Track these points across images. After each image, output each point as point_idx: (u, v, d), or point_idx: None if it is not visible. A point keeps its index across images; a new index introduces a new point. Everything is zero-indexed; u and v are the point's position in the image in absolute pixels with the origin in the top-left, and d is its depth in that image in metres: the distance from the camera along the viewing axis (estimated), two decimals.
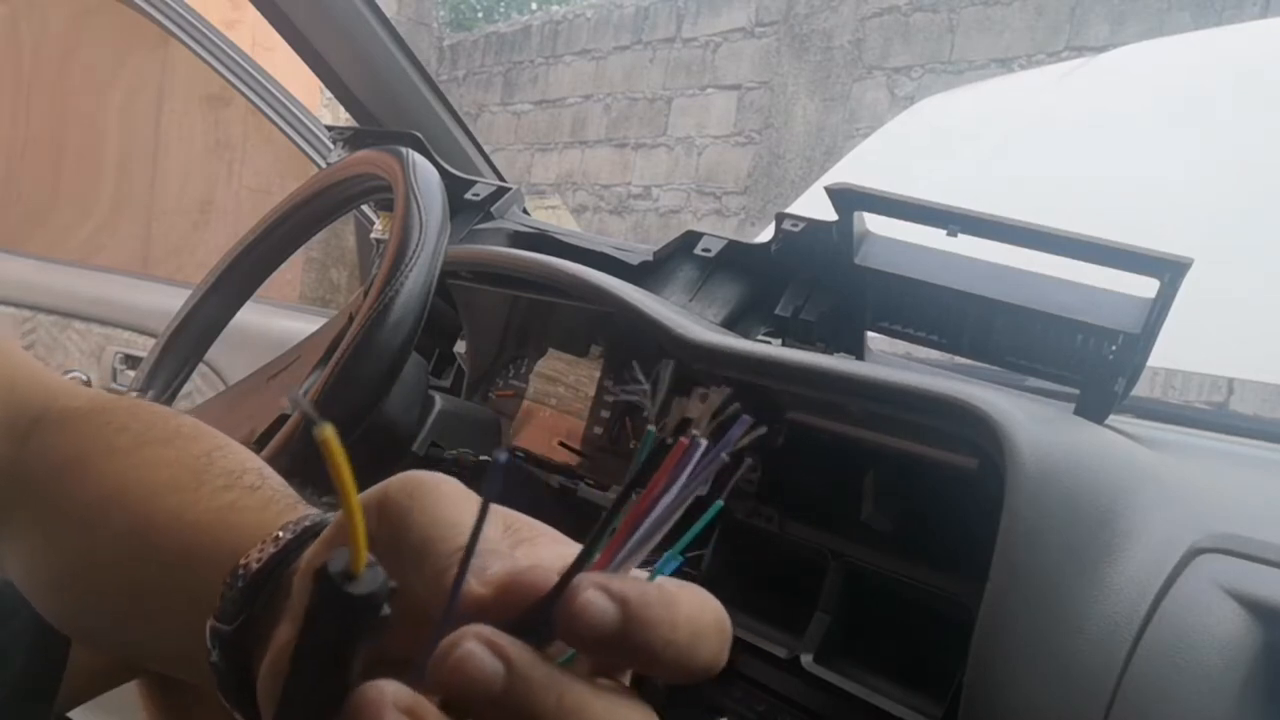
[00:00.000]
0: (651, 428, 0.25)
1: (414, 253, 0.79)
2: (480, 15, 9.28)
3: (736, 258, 1.01)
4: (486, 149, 1.44)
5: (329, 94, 1.44)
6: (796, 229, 0.92)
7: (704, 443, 0.24)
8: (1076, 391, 0.79)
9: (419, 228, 0.80)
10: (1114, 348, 0.75)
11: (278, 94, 1.60)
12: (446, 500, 0.30)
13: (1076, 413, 0.77)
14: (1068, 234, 0.75)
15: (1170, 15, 3.69)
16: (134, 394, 1.04)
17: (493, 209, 1.21)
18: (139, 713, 0.82)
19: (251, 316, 1.15)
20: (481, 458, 0.93)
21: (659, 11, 5.67)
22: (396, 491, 0.30)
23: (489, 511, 0.27)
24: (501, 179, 1.36)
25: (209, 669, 0.36)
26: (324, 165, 1.42)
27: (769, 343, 0.91)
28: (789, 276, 0.93)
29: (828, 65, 4.70)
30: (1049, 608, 0.53)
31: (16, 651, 0.71)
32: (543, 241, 1.12)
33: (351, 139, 1.32)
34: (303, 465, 0.76)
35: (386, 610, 0.24)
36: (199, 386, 1.45)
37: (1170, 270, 0.70)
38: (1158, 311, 0.73)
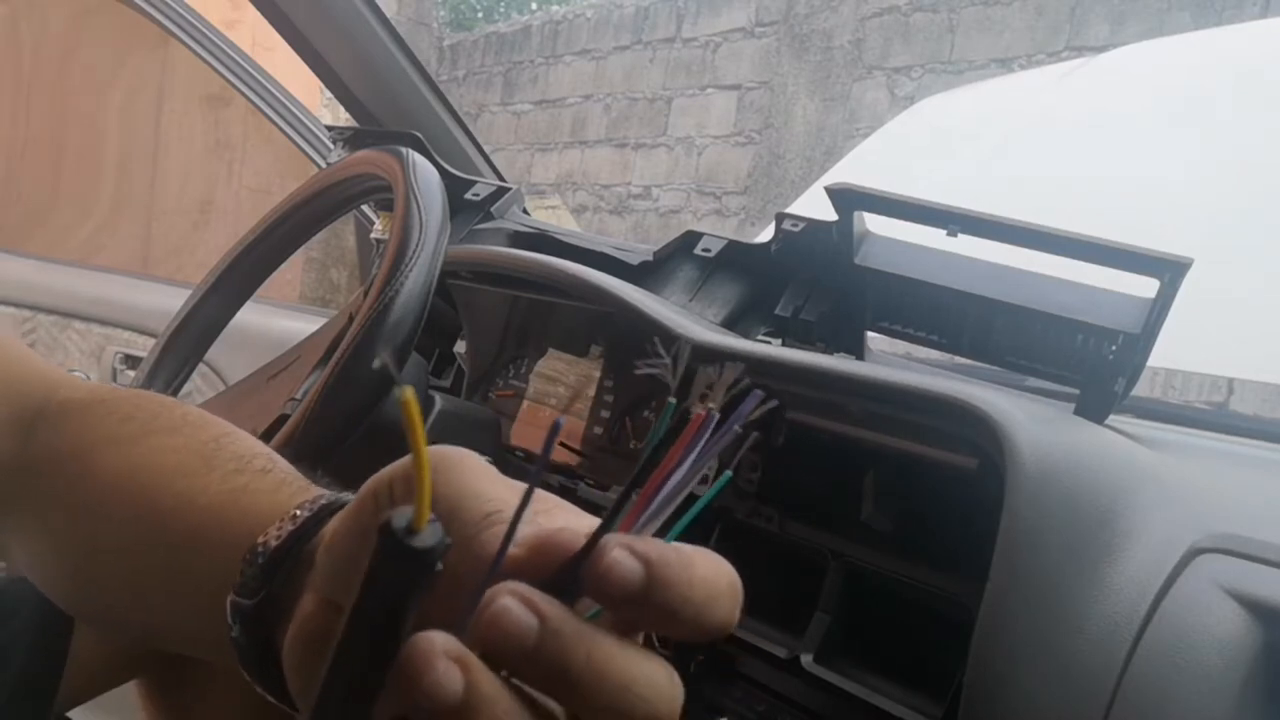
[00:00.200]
0: (672, 399, 0.26)
1: (414, 253, 0.79)
2: (480, 15, 9.28)
3: (736, 258, 1.01)
4: (486, 149, 1.44)
5: (329, 94, 1.44)
6: (796, 229, 0.92)
7: (718, 415, 0.26)
8: (1076, 391, 0.79)
9: (419, 228, 0.80)
10: (1114, 348, 0.75)
11: (278, 94, 1.60)
12: (471, 473, 0.32)
13: (1076, 413, 0.77)
14: (1068, 234, 0.75)
15: (1170, 15, 3.70)
16: None
17: (493, 209, 1.21)
18: (139, 713, 0.82)
19: (251, 316, 1.15)
20: (481, 458, 0.92)
21: (659, 11, 5.67)
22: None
23: (509, 485, 0.30)
24: (501, 179, 1.36)
25: (229, 644, 0.37)
26: (324, 165, 1.42)
27: (769, 343, 0.91)
28: (789, 276, 0.93)
29: (828, 65, 4.70)
30: (1049, 608, 0.53)
31: (16, 651, 0.71)
32: (543, 241, 1.12)
33: (351, 139, 1.32)
34: (303, 463, 0.76)
35: (439, 566, 0.26)
36: (199, 386, 1.45)
37: (1170, 270, 0.70)
38: (1158, 311, 0.73)
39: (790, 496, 0.78)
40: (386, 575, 0.25)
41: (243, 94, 1.61)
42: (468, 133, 1.41)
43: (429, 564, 0.25)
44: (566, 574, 0.26)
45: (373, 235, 1.28)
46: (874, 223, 0.87)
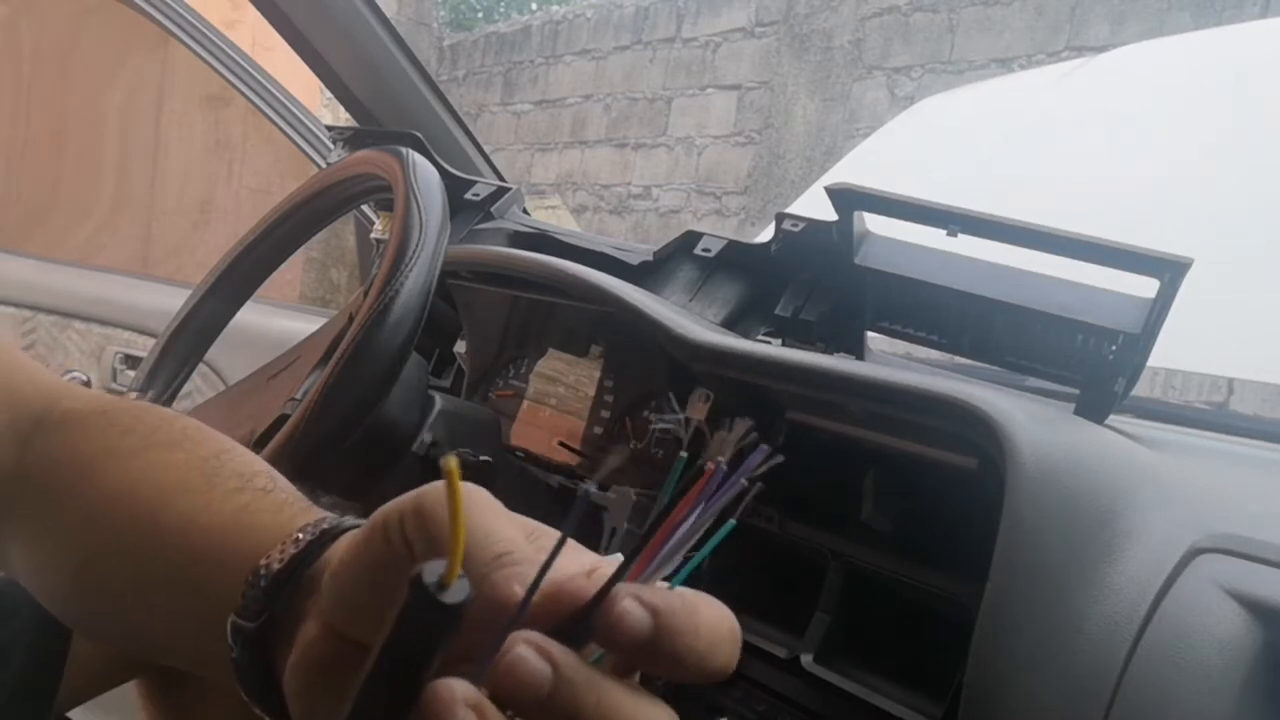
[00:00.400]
0: (684, 453, 0.28)
1: (414, 253, 0.79)
2: (480, 15, 9.28)
3: (736, 258, 1.01)
4: (486, 149, 1.44)
5: (329, 94, 1.44)
6: (796, 229, 0.92)
7: (725, 468, 0.27)
8: (1076, 391, 0.79)
9: (419, 228, 0.80)
10: (1114, 348, 0.75)
11: (278, 94, 1.60)
12: (480, 510, 0.32)
13: (1076, 413, 0.77)
14: (1068, 234, 0.75)
15: (1170, 15, 3.69)
16: (134, 394, 1.04)
17: (493, 209, 1.21)
18: (139, 713, 0.82)
19: (251, 316, 1.15)
20: (481, 458, 0.93)
21: (659, 11, 5.67)
22: (433, 499, 0.32)
23: (517, 523, 0.31)
24: (501, 179, 1.36)
25: (230, 665, 0.38)
26: (324, 165, 1.42)
27: (769, 343, 0.91)
28: (789, 276, 0.93)
29: (828, 65, 4.70)
30: (1049, 607, 0.53)
31: (16, 651, 0.71)
32: (543, 241, 1.11)
33: (351, 139, 1.32)
34: (303, 462, 0.76)
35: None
36: (199, 386, 1.45)
37: (1170, 270, 0.70)
38: (1158, 311, 0.73)
39: (790, 496, 0.78)
40: (414, 626, 0.26)
41: (243, 94, 1.61)
42: (468, 133, 1.41)
43: (456, 619, 0.26)
44: (577, 621, 0.27)
45: (373, 235, 1.28)
46: (874, 223, 0.87)
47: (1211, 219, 1.17)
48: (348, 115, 1.45)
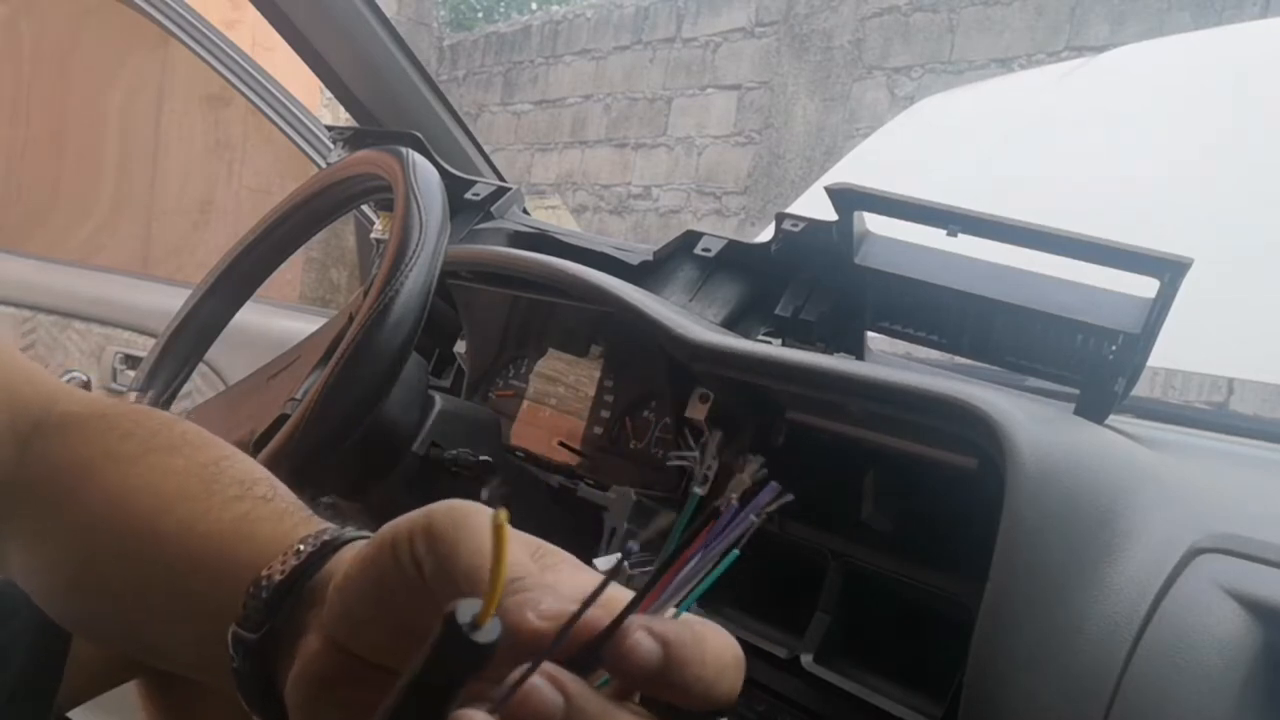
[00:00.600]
0: (697, 490, 0.29)
1: (414, 253, 0.79)
2: (480, 15, 9.28)
3: (736, 258, 1.01)
4: (486, 149, 1.44)
5: (329, 94, 1.44)
6: (796, 229, 0.92)
7: (737, 505, 0.28)
8: (1076, 391, 0.79)
9: (419, 228, 0.80)
10: (1114, 348, 0.75)
11: (278, 94, 1.60)
12: (488, 534, 0.32)
13: (1076, 413, 0.77)
14: (1068, 234, 0.75)
15: (1170, 15, 3.70)
16: (134, 394, 1.04)
17: (493, 209, 1.21)
18: (139, 713, 0.82)
19: (251, 316, 1.15)
20: (481, 458, 0.93)
21: (659, 11, 5.67)
22: (443, 519, 0.32)
23: (526, 544, 0.32)
24: (501, 179, 1.36)
25: (230, 674, 0.38)
26: (324, 165, 1.42)
27: (769, 343, 0.91)
28: (789, 276, 0.93)
29: (828, 65, 4.70)
30: (1049, 607, 0.53)
31: (16, 651, 0.71)
32: (543, 241, 1.11)
33: (351, 139, 1.32)
34: (304, 462, 0.76)
35: None
36: (199, 386, 1.45)
37: (1170, 270, 0.70)
38: (1158, 311, 0.73)
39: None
40: (445, 662, 0.27)
41: (243, 94, 1.61)
42: (468, 133, 1.41)
43: (488, 657, 0.27)
44: (590, 649, 0.28)
45: (373, 235, 1.28)
46: (874, 223, 0.87)
47: (1211, 219, 1.17)
48: (348, 115, 1.45)
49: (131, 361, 1.58)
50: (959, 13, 4.29)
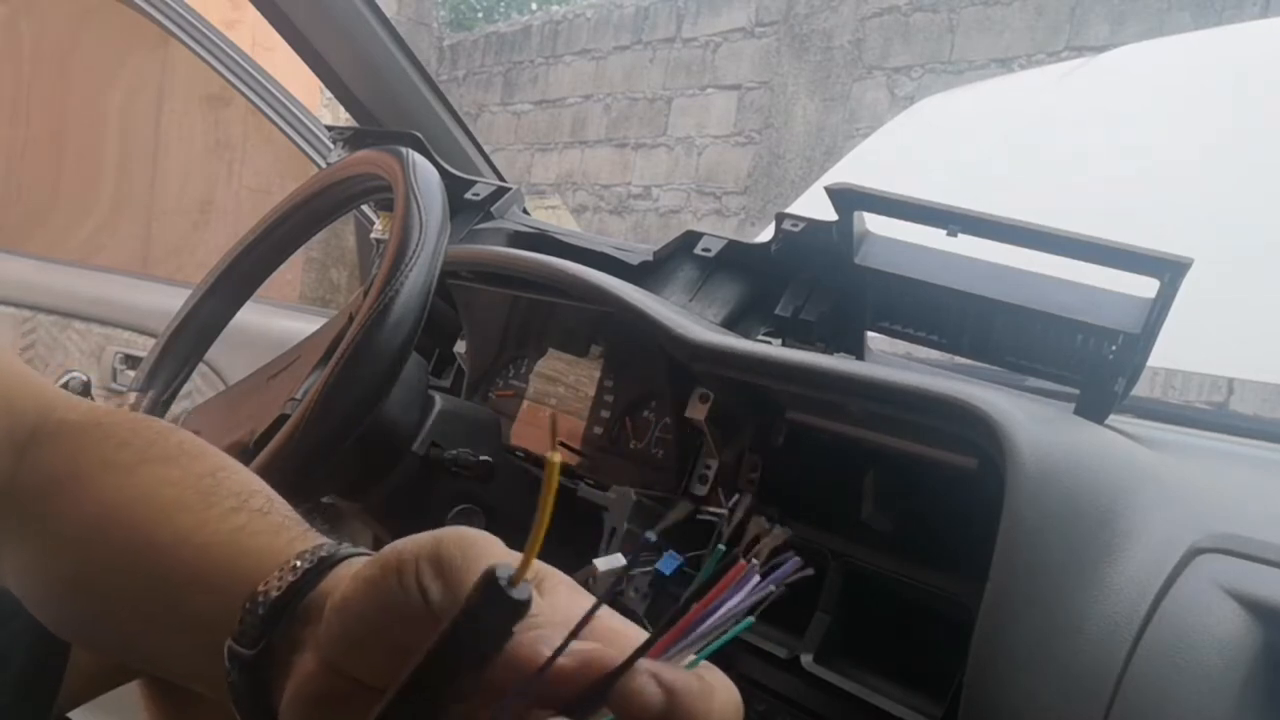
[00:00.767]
0: (721, 546, 0.29)
1: (414, 253, 0.79)
2: (480, 15, 9.28)
3: (736, 258, 1.01)
4: (486, 149, 1.44)
5: (329, 94, 1.44)
6: (796, 229, 0.92)
7: (757, 570, 0.29)
8: (1076, 391, 0.79)
9: (419, 228, 0.80)
10: (1114, 348, 0.75)
11: (278, 94, 1.60)
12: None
13: (1076, 413, 0.77)
14: (1068, 234, 0.75)
15: (1170, 15, 3.69)
16: (134, 394, 1.04)
17: (493, 209, 1.21)
18: (139, 713, 0.82)
19: (251, 316, 1.15)
20: (481, 458, 0.93)
21: (659, 11, 5.67)
22: (451, 546, 0.32)
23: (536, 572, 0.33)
24: (501, 179, 1.36)
25: (226, 687, 0.37)
26: (324, 165, 1.42)
27: (769, 343, 0.91)
28: (789, 276, 0.93)
29: (828, 65, 4.69)
30: (1049, 608, 0.53)
31: (16, 652, 0.71)
32: (543, 241, 1.12)
33: (351, 139, 1.32)
34: (304, 463, 0.76)
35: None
36: (199, 386, 1.45)
37: (1170, 270, 0.70)
38: (1158, 311, 0.73)
39: (790, 496, 0.78)
40: (485, 615, 0.28)
41: (243, 94, 1.61)
42: (468, 133, 1.41)
43: (520, 614, 0.28)
44: (598, 689, 0.29)
45: (373, 235, 1.28)
46: (874, 223, 0.87)
47: (1211, 219, 1.17)
48: (348, 115, 1.45)
49: (131, 361, 1.58)
50: (959, 13, 4.29)
